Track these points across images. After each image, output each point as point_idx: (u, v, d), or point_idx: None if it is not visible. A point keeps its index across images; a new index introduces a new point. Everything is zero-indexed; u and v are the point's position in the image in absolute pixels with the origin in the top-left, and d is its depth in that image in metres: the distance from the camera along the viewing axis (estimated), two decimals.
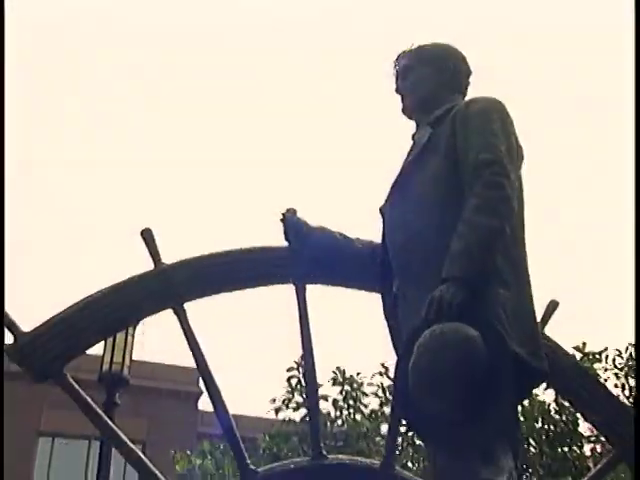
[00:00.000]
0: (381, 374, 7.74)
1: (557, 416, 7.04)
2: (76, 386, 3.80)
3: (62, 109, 51.81)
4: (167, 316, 3.95)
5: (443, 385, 2.92)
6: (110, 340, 8.98)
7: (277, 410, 7.70)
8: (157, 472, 3.78)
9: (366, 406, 7.57)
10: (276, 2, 55.57)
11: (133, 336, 8.91)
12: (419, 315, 3.08)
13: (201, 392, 27.47)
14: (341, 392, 7.59)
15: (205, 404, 27.06)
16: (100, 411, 3.92)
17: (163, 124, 52.93)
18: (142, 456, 3.78)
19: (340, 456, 4.41)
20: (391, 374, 7.48)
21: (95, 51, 52.62)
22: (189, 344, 3.85)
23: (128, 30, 54.30)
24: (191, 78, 53.98)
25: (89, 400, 3.89)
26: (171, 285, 3.87)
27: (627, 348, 7.21)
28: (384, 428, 7.34)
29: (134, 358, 21.16)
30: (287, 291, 4.02)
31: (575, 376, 4.14)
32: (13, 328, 3.68)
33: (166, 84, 52.28)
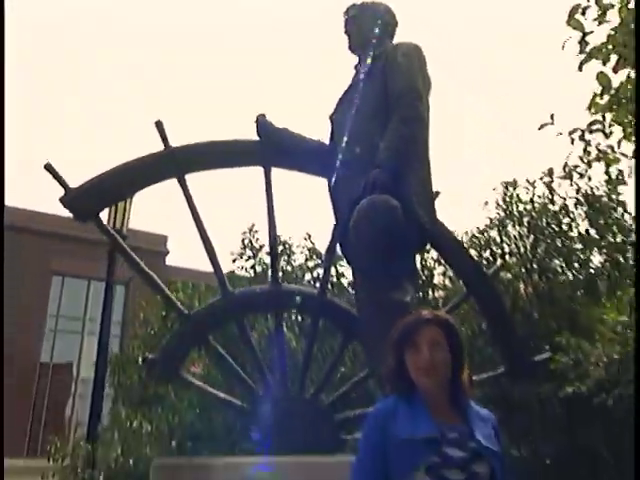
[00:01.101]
0: (305, 239, 7.75)
1: (420, 272, 7.19)
2: (107, 226, 3.72)
3: (62, 109, 43.41)
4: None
5: (374, 238, 2.99)
6: (113, 207, 8.60)
7: (234, 260, 7.66)
8: (167, 291, 3.76)
9: (295, 261, 7.60)
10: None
11: (131, 203, 8.58)
12: (358, 192, 3.13)
13: (168, 252, 27.13)
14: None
15: (171, 261, 26.60)
16: (124, 244, 3.82)
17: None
18: (155, 277, 3.72)
19: (291, 285, 4.45)
20: (314, 239, 7.54)
21: (95, 51, 43.93)
22: (189, 206, 3.77)
23: (128, 30, 46.94)
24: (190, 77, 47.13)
25: (116, 235, 3.83)
26: (177, 161, 3.78)
27: (471, 230, 7.38)
28: (307, 276, 7.40)
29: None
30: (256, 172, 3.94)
31: (448, 241, 4.20)
32: (64, 184, 3.56)
33: (166, 84, 45.63)
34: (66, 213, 3.66)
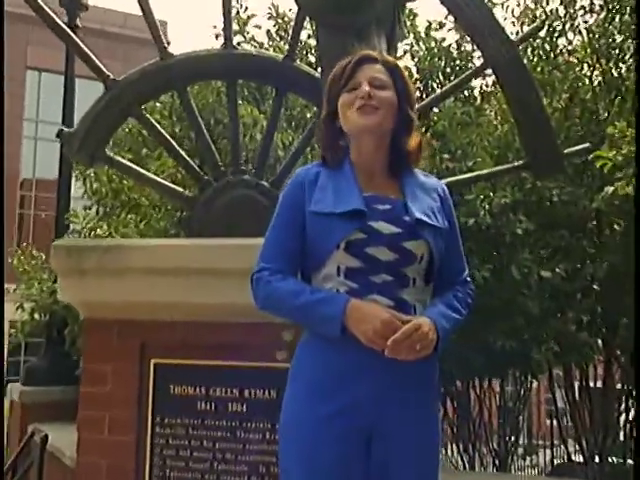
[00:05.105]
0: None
1: (456, 54, 5.55)
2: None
3: None
4: None
5: None
6: None
7: (217, 36, 6.19)
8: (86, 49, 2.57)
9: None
10: None
11: None
12: None
13: (169, 42, 24.34)
14: (274, 25, 6.16)
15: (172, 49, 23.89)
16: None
17: None
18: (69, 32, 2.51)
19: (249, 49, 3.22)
20: None
21: None
22: None
23: None
24: None
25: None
26: None
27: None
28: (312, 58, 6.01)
29: (108, 7, 17.13)
30: None
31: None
32: None
33: None
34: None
